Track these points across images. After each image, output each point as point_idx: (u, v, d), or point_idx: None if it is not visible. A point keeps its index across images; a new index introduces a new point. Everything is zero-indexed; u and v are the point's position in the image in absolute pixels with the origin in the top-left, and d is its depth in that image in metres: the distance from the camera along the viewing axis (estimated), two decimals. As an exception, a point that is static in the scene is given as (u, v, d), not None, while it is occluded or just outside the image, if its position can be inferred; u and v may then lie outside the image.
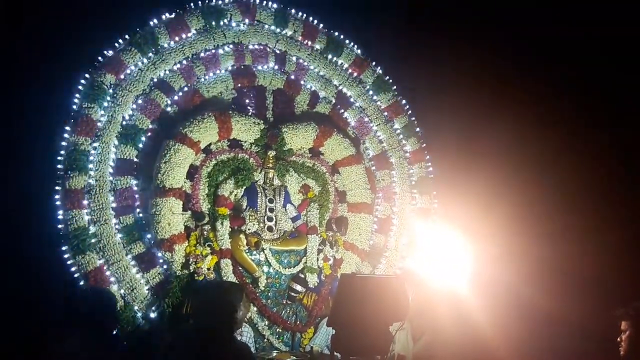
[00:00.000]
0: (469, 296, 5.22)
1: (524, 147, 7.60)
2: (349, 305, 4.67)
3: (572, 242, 6.84)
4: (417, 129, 7.87)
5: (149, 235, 6.36)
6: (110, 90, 6.39)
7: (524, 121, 7.68)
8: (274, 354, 6.05)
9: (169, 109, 6.79)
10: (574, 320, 6.17)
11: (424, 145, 7.86)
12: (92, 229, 6.07)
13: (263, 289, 6.59)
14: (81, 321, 3.60)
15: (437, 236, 6.64)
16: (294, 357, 5.93)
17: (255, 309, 6.48)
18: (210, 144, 6.81)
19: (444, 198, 7.59)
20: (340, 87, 7.68)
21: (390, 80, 7.87)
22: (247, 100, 7.29)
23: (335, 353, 4.70)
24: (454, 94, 7.79)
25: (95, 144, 6.23)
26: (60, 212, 6.03)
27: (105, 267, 6.04)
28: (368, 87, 7.79)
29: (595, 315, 5.60)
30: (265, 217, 6.86)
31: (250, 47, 7.19)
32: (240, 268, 6.54)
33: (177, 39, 6.78)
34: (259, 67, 7.24)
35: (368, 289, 4.74)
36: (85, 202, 6.10)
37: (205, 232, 6.43)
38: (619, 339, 3.78)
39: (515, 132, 7.57)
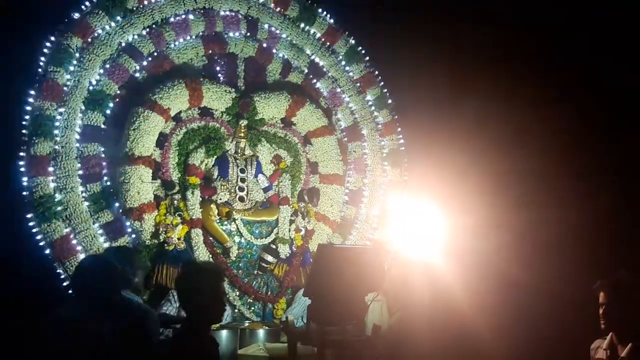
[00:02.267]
0: (443, 267, 5.21)
1: (498, 118, 7.61)
2: (325, 275, 4.62)
3: (547, 211, 6.89)
4: (390, 101, 7.83)
5: (117, 204, 6.20)
6: (77, 54, 6.20)
7: (498, 92, 7.69)
8: (246, 324, 5.99)
9: (137, 74, 6.61)
10: (550, 289, 6.24)
11: (396, 117, 7.82)
12: (57, 197, 5.89)
13: (234, 259, 6.52)
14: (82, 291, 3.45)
15: (409, 208, 6.63)
16: (267, 327, 5.88)
17: (226, 279, 6.39)
18: (180, 111, 6.67)
19: (417, 170, 7.57)
20: (313, 57, 7.58)
21: (364, 51, 7.80)
22: (218, 68, 7.16)
23: (311, 323, 4.64)
24: (428, 66, 7.73)
25: (61, 109, 6.03)
26: (25, 179, 5.83)
27: (71, 236, 5.87)
28: (341, 57, 7.70)
29: (571, 284, 5.67)
30: (237, 187, 6.77)
31: (222, 13, 7.04)
32: (211, 238, 6.46)
33: (145, 2, 6.60)
34: (230, 34, 7.10)
35: (345, 259, 4.69)
36: (50, 169, 5.91)
37: (175, 202, 6.32)
38: (600, 312, 3.76)
39: (489, 102, 7.57)
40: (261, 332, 5.74)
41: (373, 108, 7.76)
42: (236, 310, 6.44)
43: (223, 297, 3.36)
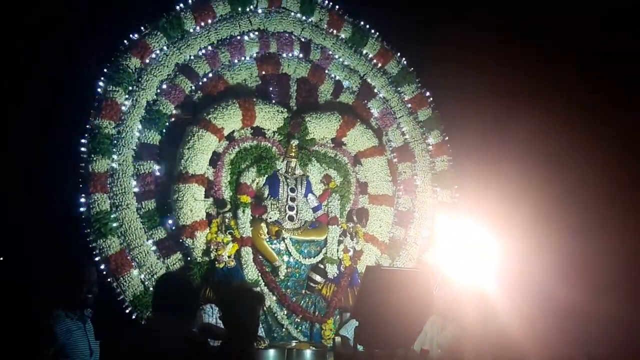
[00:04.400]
0: (494, 291, 5.14)
1: (551, 141, 7.47)
2: (373, 298, 4.60)
3: (602, 236, 6.72)
4: (441, 122, 7.79)
5: (170, 221, 6.34)
6: (135, 75, 6.37)
7: (550, 114, 7.55)
8: (293, 344, 6.00)
9: (193, 94, 6.76)
10: (604, 315, 6.05)
11: (447, 138, 7.78)
12: (114, 213, 6.05)
13: (283, 278, 6.56)
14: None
15: (459, 230, 6.55)
16: (314, 348, 5.87)
17: (274, 298, 6.44)
18: (233, 131, 6.79)
19: (469, 192, 7.49)
20: (365, 77, 7.62)
21: (415, 72, 7.79)
22: (271, 88, 7.26)
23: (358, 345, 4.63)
24: (479, 87, 7.67)
25: (119, 128, 6.20)
26: (83, 195, 6.01)
27: (126, 252, 6.03)
28: (392, 78, 7.71)
29: (626, 311, 5.49)
30: (287, 207, 6.83)
31: (276, 34, 7.14)
32: (260, 257, 6.51)
33: (202, 24, 6.74)
34: (284, 55, 7.20)
35: (392, 282, 4.67)
36: (107, 186, 6.08)
37: (226, 220, 6.40)
38: None
39: (542, 125, 7.44)
40: (308, 353, 5.74)
41: (424, 129, 7.74)
42: (284, 330, 6.47)
43: (258, 320, 3.54)
